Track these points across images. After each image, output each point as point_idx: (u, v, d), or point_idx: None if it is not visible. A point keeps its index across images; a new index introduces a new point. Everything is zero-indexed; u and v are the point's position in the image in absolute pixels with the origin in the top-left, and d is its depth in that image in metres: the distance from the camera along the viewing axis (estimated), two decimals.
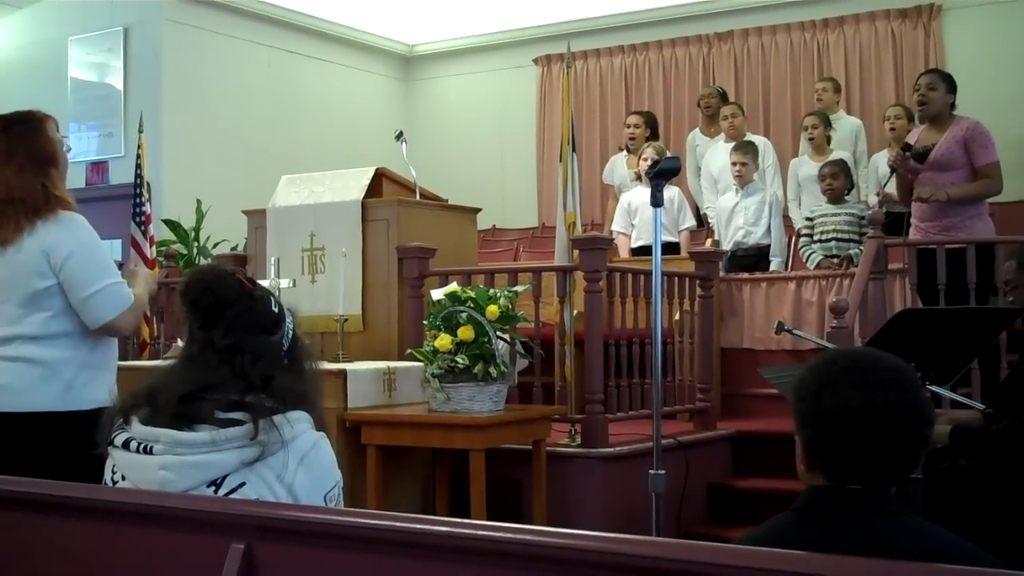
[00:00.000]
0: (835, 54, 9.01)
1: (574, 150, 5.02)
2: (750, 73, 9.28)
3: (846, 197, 6.54)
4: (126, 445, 2.03)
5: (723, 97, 8.04)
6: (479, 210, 5.73)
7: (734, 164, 6.83)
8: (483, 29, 10.30)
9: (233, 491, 1.96)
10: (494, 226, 9.76)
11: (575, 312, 4.86)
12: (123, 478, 2.04)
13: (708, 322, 5.63)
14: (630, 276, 5.06)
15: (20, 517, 1.76)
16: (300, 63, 9.78)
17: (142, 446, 2.00)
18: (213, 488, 1.97)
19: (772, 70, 9.16)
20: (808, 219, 6.58)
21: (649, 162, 6.71)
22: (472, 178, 9.78)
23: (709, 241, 7.16)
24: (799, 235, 6.80)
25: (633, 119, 7.81)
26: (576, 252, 4.81)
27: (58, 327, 2.98)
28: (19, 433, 2.90)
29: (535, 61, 10.33)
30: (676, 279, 5.41)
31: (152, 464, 1.98)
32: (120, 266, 3.48)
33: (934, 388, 3.42)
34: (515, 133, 10.36)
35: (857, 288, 5.34)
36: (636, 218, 7.11)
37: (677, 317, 5.54)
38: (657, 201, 3.60)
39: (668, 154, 7.48)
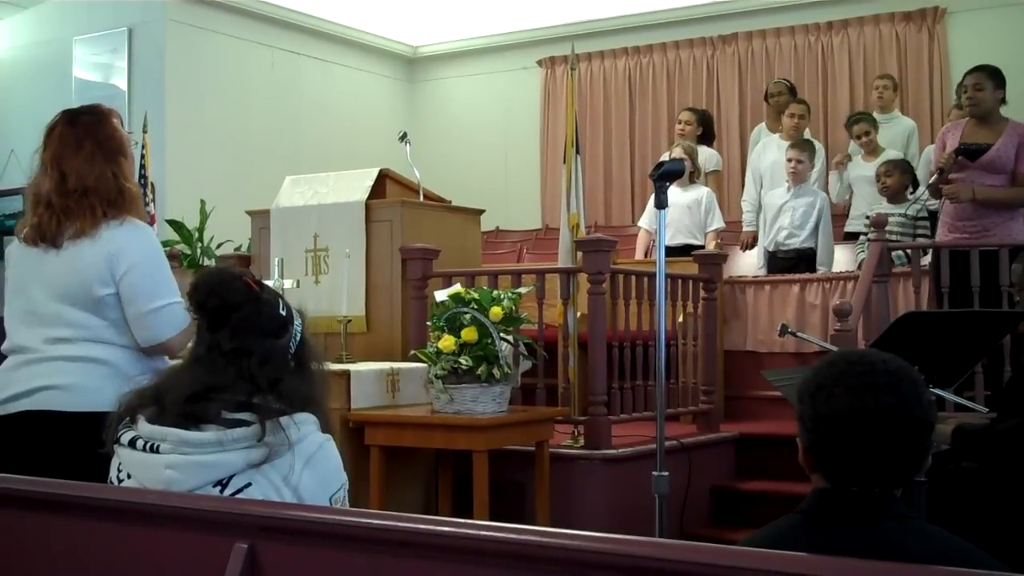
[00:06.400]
0: (839, 57, 8.99)
1: (578, 152, 5.01)
2: (754, 76, 9.25)
3: (908, 196, 6.40)
4: (132, 443, 2.02)
5: (792, 92, 7.80)
6: (483, 211, 5.73)
7: (790, 161, 6.65)
8: (487, 31, 10.29)
9: (239, 491, 1.96)
10: (497, 228, 9.75)
11: (579, 314, 4.86)
12: (128, 476, 2.04)
13: (712, 324, 5.63)
14: (633, 278, 5.06)
15: (24, 516, 1.76)
16: (304, 64, 9.78)
17: (148, 445, 2.00)
18: (219, 488, 1.96)
19: (776, 73, 9.12)
20: (867, 217, 6.33)
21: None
22: (476, 180, 9.77)
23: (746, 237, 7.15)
24: (858, 236, 6.75)
25: (685, 115, 7.56)
26: (579, 254, 4.81)
27: (120, 339, 2.87)
28: (81, 432, 2.64)
29: (539, 63, 10.32)
30: (680, 281, 5.40)
31: (158, 463, 1.98)
32: None
33: (937, 391, 3.41)
34: (519, 135, 10.36)
35: (861, 291, 5.33)
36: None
37: (680, 319, 5.53)
38: (661, 203, 3.58)
39: (708, 153, 7.42)
